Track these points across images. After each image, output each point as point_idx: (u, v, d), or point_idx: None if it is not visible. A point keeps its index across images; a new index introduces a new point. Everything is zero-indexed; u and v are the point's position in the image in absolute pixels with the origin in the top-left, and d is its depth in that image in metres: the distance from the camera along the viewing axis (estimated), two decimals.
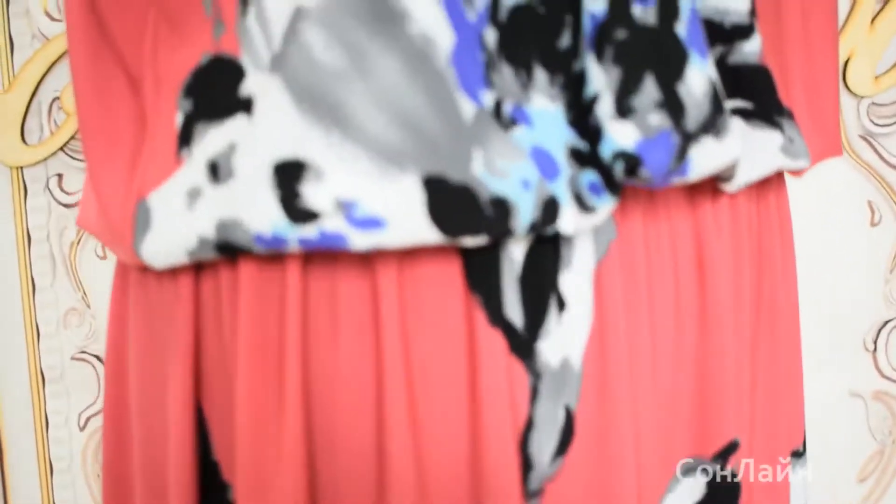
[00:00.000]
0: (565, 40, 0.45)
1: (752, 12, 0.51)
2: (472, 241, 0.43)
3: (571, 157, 0.45)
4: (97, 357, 1.16)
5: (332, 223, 0.42)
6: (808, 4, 0.57)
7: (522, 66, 0.44)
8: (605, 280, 0.48)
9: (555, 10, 0.44)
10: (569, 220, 0.45)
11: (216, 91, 0.46)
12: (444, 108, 0.42)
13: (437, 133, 0.42)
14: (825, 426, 1.15)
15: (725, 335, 0.53)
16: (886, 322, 1.17)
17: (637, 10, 0.43)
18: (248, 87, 0.45)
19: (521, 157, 0.44)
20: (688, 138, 0.44)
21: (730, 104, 0.51)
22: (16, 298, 1.15)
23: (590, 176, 0.45)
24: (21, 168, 1.14)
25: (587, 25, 0.44)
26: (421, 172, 0.42)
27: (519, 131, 0.44)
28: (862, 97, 1.14)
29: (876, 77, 1.13)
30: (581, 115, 0.45)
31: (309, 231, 0.42)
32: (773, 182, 0.58)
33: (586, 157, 0.45)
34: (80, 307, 1.16)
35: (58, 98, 1.13)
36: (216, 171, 0.45)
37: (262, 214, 0.43)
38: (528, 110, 0.44)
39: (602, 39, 0.43)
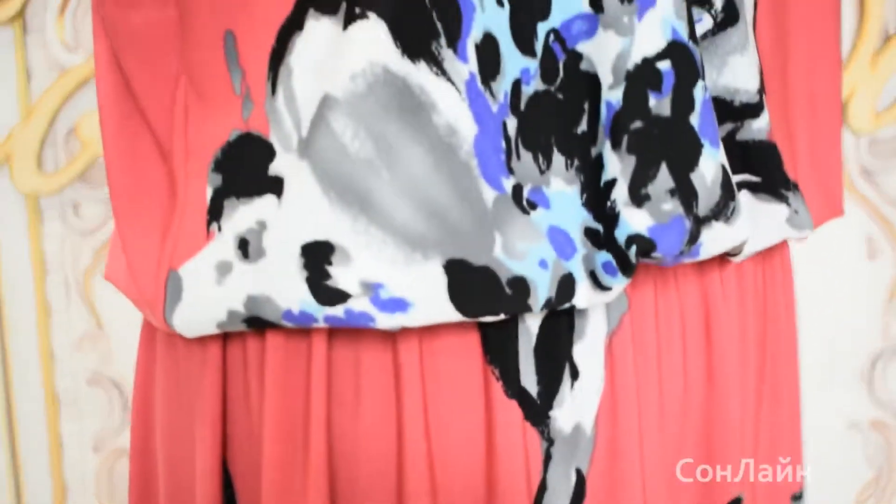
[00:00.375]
0: (583, 125, 0.47)
1: (761, 91, 0.53)
2: (491, 318, 0.46)
3: (586, 237, 0.47)
4: (111, 380, 1.19)
5: (358, 304, 0.44)
6: (814, 71, 0.59)
7: (541, 151, 0.47)
8: (617, 350, 0.51)
9: (573, 97, 0.47)
10: (583, 296, 0.47)
11: (246, 168, 0.48)
12: (466, 197, 0.44)
13: (460, 220, 0.44)
14: (823, 455, 1.17)
15: (731, 397, 0.55)
16: (883, 353, 1.20)
17: (652, 102, 0.45)
18: (278, 167, 0.47)
19: (540, 239, 0.46)
20: (699, 223, 0.47)
21: (738, 178, 0.54)
22: (31, 323, 1.18)
23: (604, 256, 0.47)
24: (37, 196, 1.16)
25: (604, 113, 0.46)
26: (444, 257, 0.44)
27: (537, 214, 0.46)
28: (862, 134, 1.16)
29: (876, 114, 1.16)
30: (596, 197, 0.47)
31: (336, 310, 0.45)
32: (777, 244, 0.60)
33: (601, 238, 0.47)
34: (94, 332, 1.18)
35: (74, 128, 1.15)
36: (246, 247, 0.47)
37: (290, 293, 0.45)
38: (546, 193, 0.47)
39: (618, 128, 0.46)
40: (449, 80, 0.44)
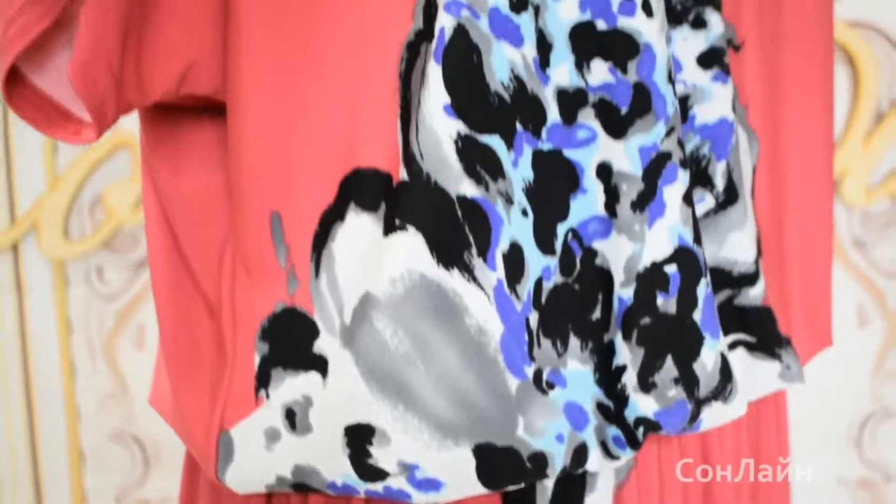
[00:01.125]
0: (596, 313, 0.52)
1: (758, 259, 0.58)
2: (513, 487, 0.51)
3: (598, 410, 0.52)
4: (133, 437, 1.24)
5: (396, 482, 0.50)
6: (807, 226, 0.64)
7: (559, 337, 0.52)
8: (625, 500, 0.56)
9: (588, 288, 0.52)
10: (595, 462, 0.52)
11: (291, 342, 0.53)
12: (493, 388, 0.49)
13: (487, 408, 0.49)
14: None
15: None
16: (871, 415, 1.26)
17: (660, 301, 0.51)
18: (322, 346, 0.52)
19: (557, 415, 0.51)
20: (700, 404, 0.52)
21: (735, 337, 0.59)
22: (56, 382, 1.23)
23: (614, 431, 0.52)
24: (63, 261, 1.21)
25: (616, 307, 0.51)
26: (473, 442, 0.49)
27: (555, 392, 0.51)
28: (855, 207, 1.21)
29: (868, 189, 1.21)
30: (608, 377, 0.52)
31: (376, 486, 0.50)
32: None
33: (611, 413, 0.52)
34: (118, 392, 1.23)
35: (99, 198, 1.20)
36: (293, 419, 0.52)
37: (334, 467, 0.50)
38: (563, 373, 0.52)
39: (629, 322, 0.51)
40: (479, 286, 0.49)
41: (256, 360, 0.54)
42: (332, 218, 0.52)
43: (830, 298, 0.68)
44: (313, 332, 0.52)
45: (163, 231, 0.59)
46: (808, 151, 0.64)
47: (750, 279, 0.58)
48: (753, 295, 0.59)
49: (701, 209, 0.57)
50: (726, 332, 0.58)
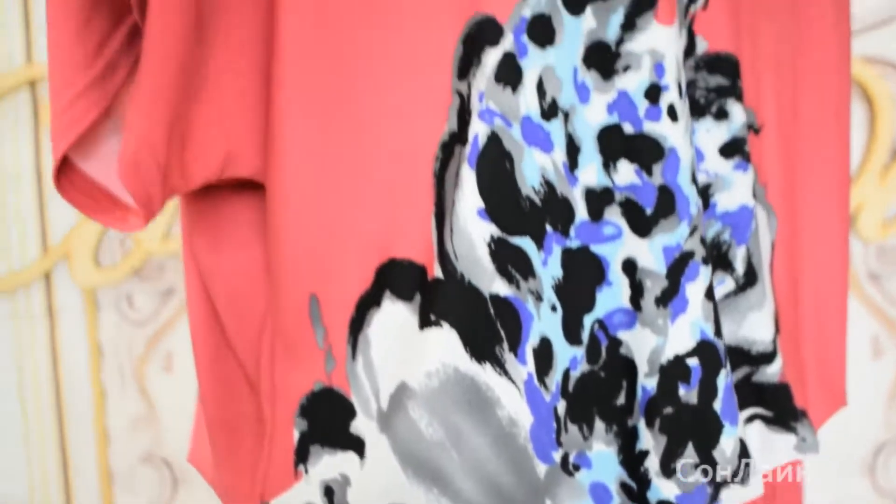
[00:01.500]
0: (621, 399, 0.55)
1: (775, 338, 0.61)
2: None
3: (622, 490, 0.55)
4: (162, 459, 1.27)
5: None
6: (823, 297, 0.67)
7: (585, 422, 0.54)
8: None
9: (613, 375, 0.54)
10: None
11: (329, 421, 0.56)
12: (522, 474, 0.52)
13: (517, 493, 0.52)
14: None
15: None
16: (885, 445, 1.28)
17: (682, 392, 0.53)
18: (359, 428, 0.54)
19: (583, 496, 0.54)
20: (719, 487, 0.54)
21: (752, 411, 0.61)
22: (87, 405, 1.26)
23: None
24: (94, 289, 1.24)
25: (640, 395, 0.54)
26: None
27: (581, 474, 0.54)
28: (871, 242, 1.23)
29: (884, 223, 1.23)
30: (631, 459, 0.55)
31: None
32: None
33: (634, 493, 0.55)
34: (147, 415, 1.26)
35: None
36: (331, 497, 0.55)
37: None
38: (588, 455, 0.54)
39: (652, 411, 0.53)
40: (510, 379, 0.51)
41: (295, 435, 0.57)
42: (368, 303, 0.55)
43: (845, 362, 0.70)
44: (350, 412, 0.55)
45: (203, 304, 0.62)
46: (824, 224, 0.66)
47: (768, 358, 0.60)
48: (771, 373, 0.61)
49: (721, 291, 0.59)
50: (744, 407, 0.60)
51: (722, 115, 0.58)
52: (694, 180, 0.53)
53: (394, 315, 0.54)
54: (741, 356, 0.60)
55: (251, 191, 0.60)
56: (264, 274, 0.60)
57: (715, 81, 0.57)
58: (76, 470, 1.28)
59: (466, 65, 0.51)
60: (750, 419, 0.61)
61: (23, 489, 1.27)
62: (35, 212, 1.23)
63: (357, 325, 0.55)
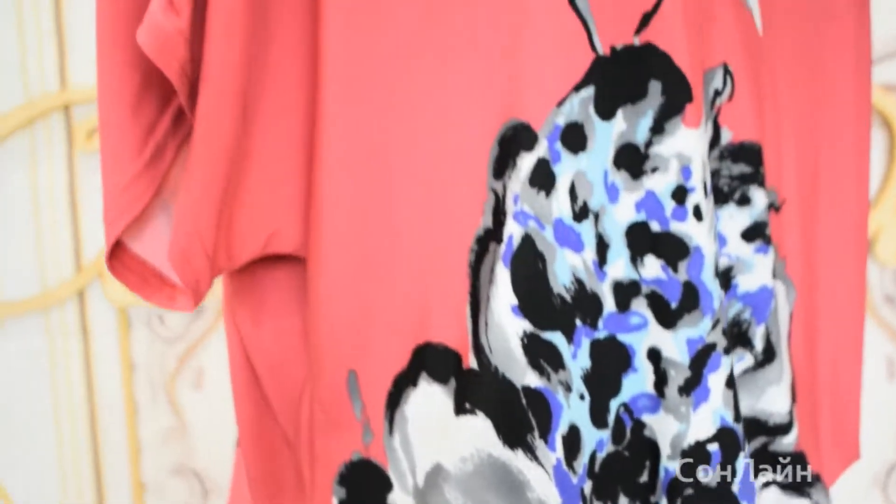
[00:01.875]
0: (644, 477, 0.58)
1: (792, 410, 0.63)
2: None
3: None
4: (193, 471, 1.32)
5: None
6: (840, 358, 0.69)
7: (610, 499, 0.57)
8: None
9: (638, 455, 0.57)
10: None
11: (367, 492, 0.59)
12: None
13: None
14: None
15: None
16: None
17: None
18: (396, 501, 0.58)
19: None
20: None
21: (768, 477, 0.64)
22: (120, 419, 1.30)
23: None
24: (126, 307, 1.27)
25: (662, 476, 0.57)
26: None
27: None
28: (888, 265, 1.25)
29: None
30: None
31: None
32: None
33: None
34: (178, 429, 1.30)
35: None
36: None
37: None
38: None
39: (673, 492, 0.56)
40: (540, 464, 0.54)
41: (334, 502, 0.60)
42: (405, 382, 0.58)
43: (859, 419, 0.73)
44: (387, 485, 0.58)
45: (245, 369, 0.65)
46: (841, 294, 0.68)
47: (784, 429, 0.63)
48: (787, 443, 0.64)
49: (741, 367, 0.62)
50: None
51: (745, 201, 0.60)
52: (717, 274, 0.56)
53: (430, 396, 0.57)
54: (758, 427, 0.63)
55: (292, 261, 0.62)
56: (304, 342, 0.63)
57: (738, 170, 0.59)
58: (109, 481, 1.32)
59: (502, 166, 0.54)
60: (766, 485, 0.64)
61: (57, 499, 1.32)
62: (69, 232, 1.27)
63: (394, 401, 0.58)
